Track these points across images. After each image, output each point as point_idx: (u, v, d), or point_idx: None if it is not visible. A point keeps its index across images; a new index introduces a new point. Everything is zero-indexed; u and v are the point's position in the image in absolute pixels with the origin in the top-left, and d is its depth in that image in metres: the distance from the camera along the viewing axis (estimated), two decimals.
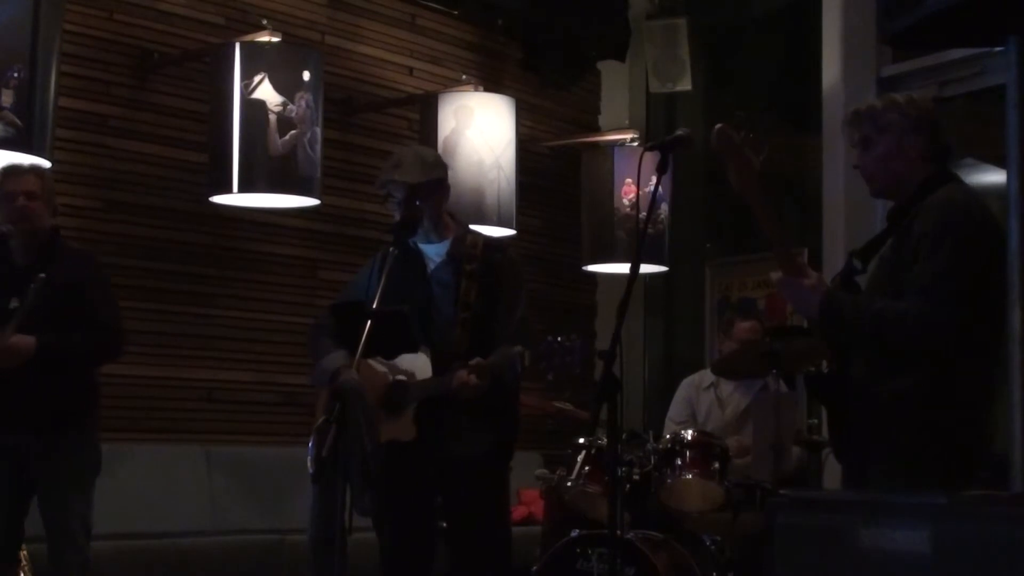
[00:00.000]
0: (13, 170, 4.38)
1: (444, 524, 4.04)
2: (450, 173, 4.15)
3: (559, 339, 3.58)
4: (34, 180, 4.35)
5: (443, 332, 3.92)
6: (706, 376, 5.94)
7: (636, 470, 4.97)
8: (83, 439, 4.34)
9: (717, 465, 4.88)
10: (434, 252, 4.03)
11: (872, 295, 3.30)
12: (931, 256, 3.23)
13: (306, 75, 5.55)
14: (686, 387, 6.02)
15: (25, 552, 4.49)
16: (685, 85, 7.47)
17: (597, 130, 7.89)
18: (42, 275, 4.12)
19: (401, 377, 3.91)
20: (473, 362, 3.76)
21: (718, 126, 3.24)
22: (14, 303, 4.19)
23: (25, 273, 4.23)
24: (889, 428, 3.28)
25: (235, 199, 5.61)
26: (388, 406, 3.90)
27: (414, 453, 3.86)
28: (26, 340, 4.12)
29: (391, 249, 3.86)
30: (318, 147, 5.58)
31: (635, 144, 7.05)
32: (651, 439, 5.12)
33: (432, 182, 3.97)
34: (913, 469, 3.23)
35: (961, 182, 3.46)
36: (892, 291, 3.29)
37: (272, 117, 5.45)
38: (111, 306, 4.39)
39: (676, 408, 5.98)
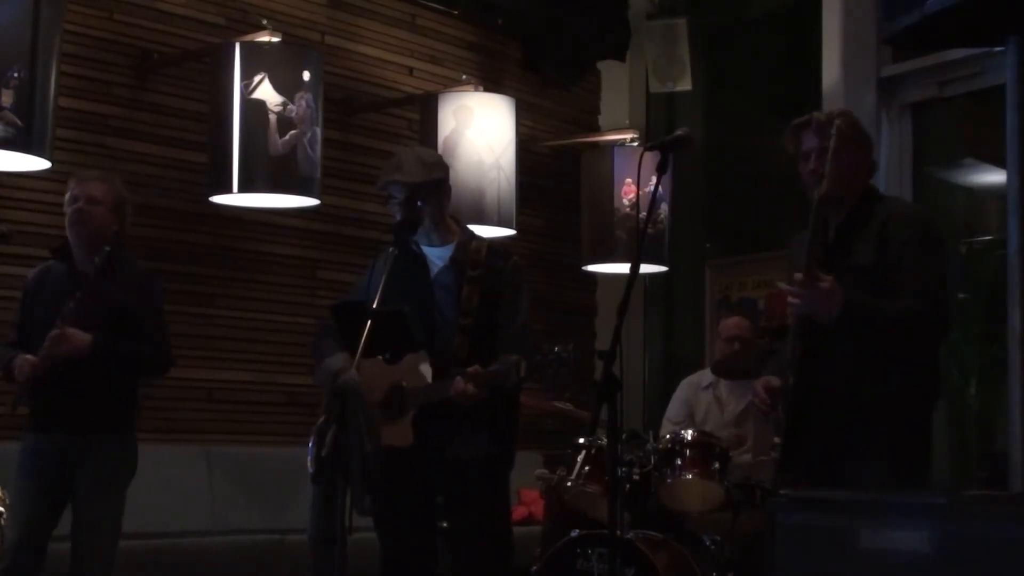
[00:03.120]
0: (81, 175, 4.43)
1: (445, 525, 4.03)
2: (450, 173, 4.13)
3: (556, 349, 3.58)
4: (99, 186, 4.34)
5: (444, 337, 3.91)
6: (705, 376, 5.94)
7: (636, 470, 4.98)
8: (122, 441, 4.34)
9: (717, 465, 4.89)
10: (437, 256, 4.02)
11: (878, 298, 3.37)
12: (926, 261, 3.37)
13: (306, 75, 5.54)
14: (685, 387, 6.02)
15: None
16: (685, 85, 7.47)
17: (597, 130, 7.88)
18: (107, 248, 4.15)
19: (401, 382, 3.90)
20: (471, 370, 3.73)
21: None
22: (70, 306, 4.19)
23: (84, 280, 4.24)
24: (873, 427, 3.36)
25: (235, 199, 5.61)
26: (387, 410, 3.90)
27: (413, 457, 3.85)
28: (84, 335, 4.13)
29: (391, 249, 3.86)
30: (318, 147, 5.57)
31: (635, 144, 7.04)
32: (651, 439, 5.13)
33: (432, 182, 3.96)
34: (891, 466, 3.33)
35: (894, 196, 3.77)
36: (883, 293, 3.39)
37: (272, 117, 5.44)
38: (160, 331, 4.38)
39: (674, 408, 5.98)
